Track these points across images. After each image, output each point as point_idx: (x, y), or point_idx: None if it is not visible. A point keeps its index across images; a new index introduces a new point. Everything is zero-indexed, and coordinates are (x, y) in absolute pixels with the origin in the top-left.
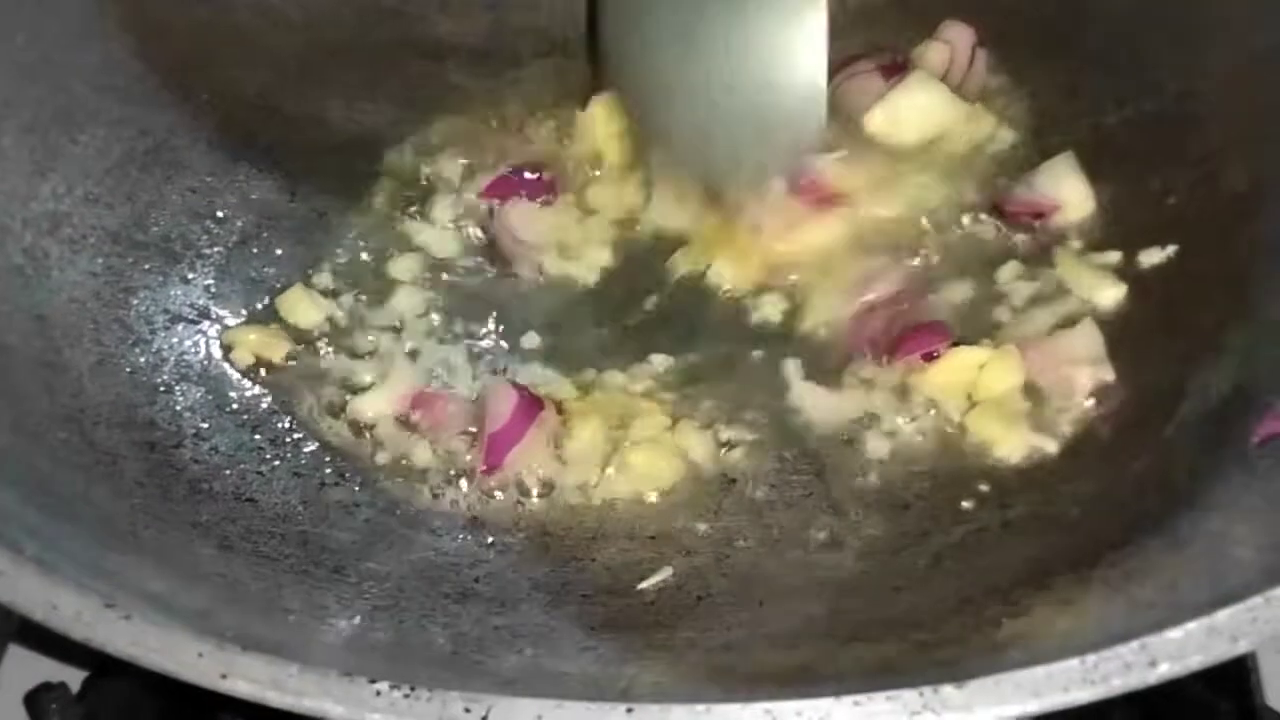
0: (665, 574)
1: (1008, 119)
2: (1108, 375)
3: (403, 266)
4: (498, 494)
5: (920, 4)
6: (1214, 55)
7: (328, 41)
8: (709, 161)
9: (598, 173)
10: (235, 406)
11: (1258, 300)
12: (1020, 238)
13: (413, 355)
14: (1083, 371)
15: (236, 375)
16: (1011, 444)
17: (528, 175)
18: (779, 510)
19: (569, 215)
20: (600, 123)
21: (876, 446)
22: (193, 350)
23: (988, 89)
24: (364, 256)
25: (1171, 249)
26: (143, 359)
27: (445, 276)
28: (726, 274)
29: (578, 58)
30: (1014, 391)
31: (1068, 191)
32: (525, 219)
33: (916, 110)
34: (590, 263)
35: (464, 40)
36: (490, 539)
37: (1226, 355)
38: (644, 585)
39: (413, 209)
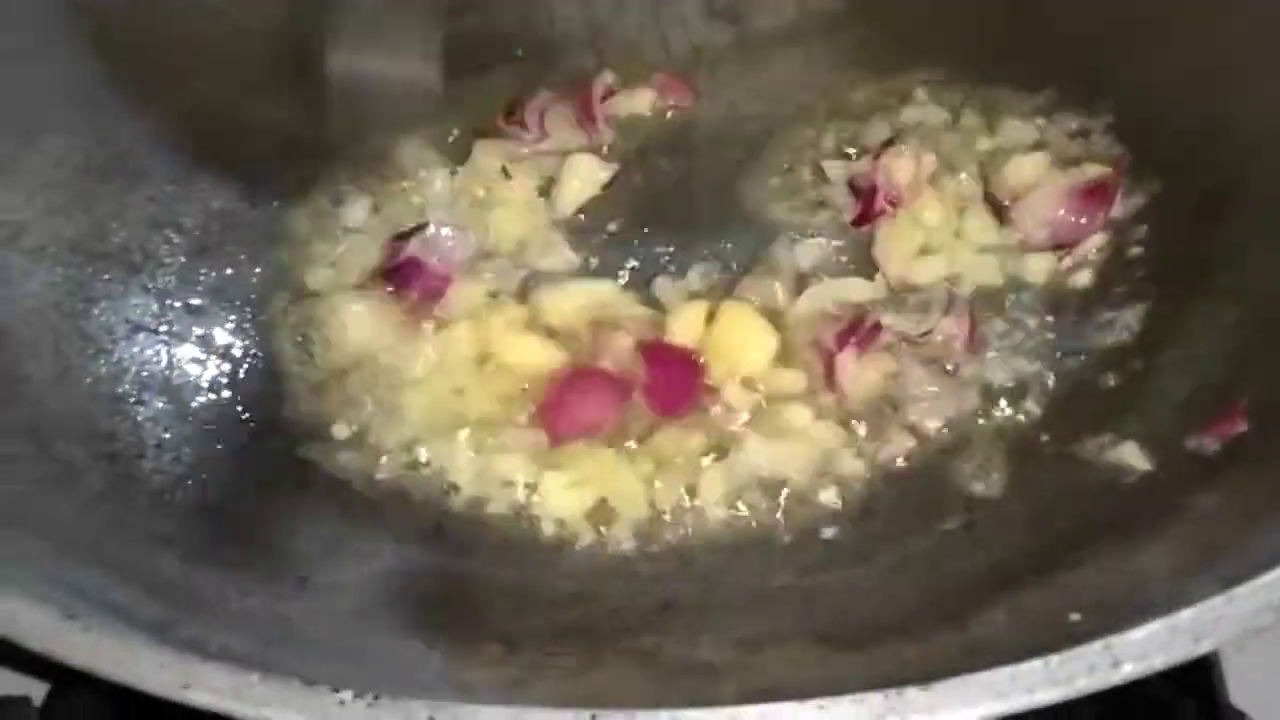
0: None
1: None
2: None
3: None
4: (460, 503)
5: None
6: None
7: (287, 50)
8: None
9: None
10: (198, 416)
11: (1218, 301)
12: None
13: None
14: None
15: (199, 385)
16: None
17: None
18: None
19: None
20: None
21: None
22: (154, 360)
23: None
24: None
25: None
26: (104, 369)
27: None
28: None
29: (538, 60)
30: None
31: None
32: None
33: None
34: None
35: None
36: (454, 547)
37: (1186, 356)
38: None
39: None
